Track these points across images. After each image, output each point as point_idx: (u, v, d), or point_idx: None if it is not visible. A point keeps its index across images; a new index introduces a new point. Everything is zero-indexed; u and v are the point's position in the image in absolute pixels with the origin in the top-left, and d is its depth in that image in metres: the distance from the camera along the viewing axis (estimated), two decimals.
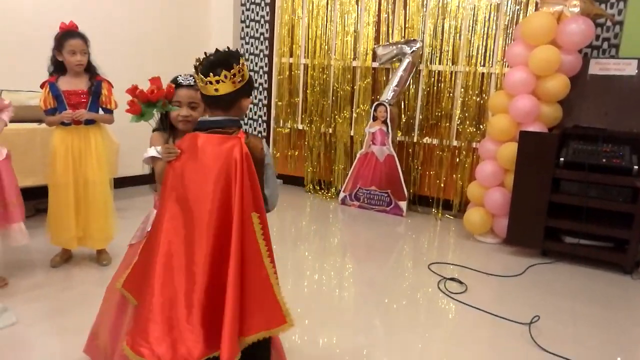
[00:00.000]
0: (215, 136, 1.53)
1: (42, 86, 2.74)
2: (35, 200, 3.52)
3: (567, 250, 3.40)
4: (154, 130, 1.77)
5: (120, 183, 3.97)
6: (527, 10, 3.93)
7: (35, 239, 3.04)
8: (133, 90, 1.60)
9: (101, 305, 1.91)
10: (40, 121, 3.27)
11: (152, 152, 1.67)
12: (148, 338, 1.43)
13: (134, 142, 4.28)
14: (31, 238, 2.72)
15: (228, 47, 1.58)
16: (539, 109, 3.46)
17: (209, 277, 1.45)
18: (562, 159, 3.34)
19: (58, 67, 2.75)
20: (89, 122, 2.81)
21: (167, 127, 1.78)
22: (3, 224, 2.54)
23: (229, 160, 1.47)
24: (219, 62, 1.51)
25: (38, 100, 2.76)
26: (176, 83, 1.73)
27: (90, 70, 2.79)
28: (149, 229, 1.72)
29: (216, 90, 1.50)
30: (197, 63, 1.54)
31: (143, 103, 1.60)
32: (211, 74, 1.49)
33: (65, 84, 2.73)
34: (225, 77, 1.49)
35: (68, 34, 2.68)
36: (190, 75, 1.72)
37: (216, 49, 1.55)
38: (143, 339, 1.44)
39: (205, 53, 1.55)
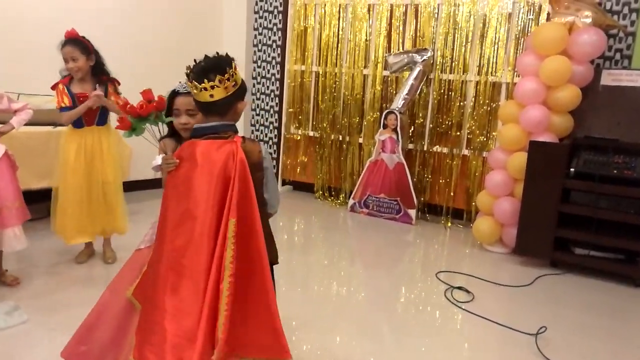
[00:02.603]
0: (211, 142, 1.53)
1: (53, 87, 2.80)
2: (49, 201, 3.58)
3: (577, 262, 3.37)
4: (160, 139, 1.79)
5: (131, 187, 4.02)
6: (538, 21, 3.93)
7: (47, 239, 3.10)
8: (124, 107, 1.62)
9: (96, 306, 1.82)
10: (54, 124, 3.34)
11: (158, 160, 1.69)
12: (155, 349, 1.43)
13: (145, 147, 4.35)
14: (43, 238, 2.77)
15: (217, 53, 1.57)
16: (549, 119, 3.45)
17: (212, 283, 1.45)
18: (572, 169, 3.32)
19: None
20: (100, 123, 2.88)
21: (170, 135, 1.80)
22: None
23: (226, 165, 1.48)
24: (211, 67, 1.51)
25: (55, 104, 2.82)
26: (174, 91, 1.75)
27: (96, 74, 2.83)
28: None
29: (211, 96, 1.50)
30: (188, 70, 1.54)
31: (134, 118, 1.62)
32: (205, 80, 1.49)
33: (75, 87, 2.81)
34: (220, 82, 1.49)
35: (62, 43, 2.74)
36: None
37: (205, 55, 1.55)
38: (149, 350, 1.45)
39: (195, 60, 1.55)
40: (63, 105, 2.77)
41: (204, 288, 1.45)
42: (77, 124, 2.84)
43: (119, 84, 2.93)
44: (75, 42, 2.74)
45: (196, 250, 1.48)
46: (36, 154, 3.26)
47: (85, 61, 2.76)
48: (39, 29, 3.81)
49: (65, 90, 2.77)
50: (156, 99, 1.69)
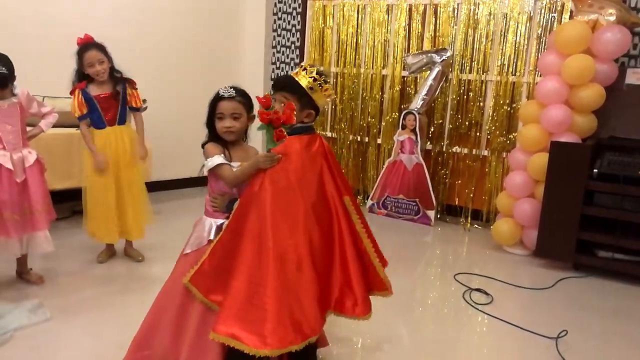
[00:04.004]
0: (308, 137, 1.75)
1: (71, 93, 2.86)
2: (72, 202, 3.66)
3: (600, 265, 3.30)
4: (204, 144, 1.81)
5: (152, 187, 4.08)
6: (561, 19, 3.87)
7: (70, 238, 3.17)
8: (267, 118, 1.57)
9: (150, 313, 1.86)
10: (78, 126, 3.41)
11: (219, 159, 1.73)
12: (264, 331, 1.52)
13: (164, 148, 4.39)
14: (67, 238, 2.83)
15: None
16: (571, 119, 3.39)
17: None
18: (595, 170, 3.25)
19: (83, 78, 2.87)
20: (121, 122, 2.94)
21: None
22: (28, 230, 2.57)
23: (322, 155, 1.75)
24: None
25: (70, 107, 2.88)
26: (218, 96, 1.77)
27: (113, 76, 2.89)
28: (211, 238, 1.75)
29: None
30: (324, 76, 1.72)
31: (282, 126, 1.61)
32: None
33: (94, 89, 2.86)
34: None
35: (84, 48, 2.80)
36: (231, 87, 1.77)
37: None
38: (256, 332, 1.53)
39: (303, 66, 1.74)
40: (79, 114, 2.84)
41: (312, 265, 1.63)
42: (99, 124, 2.89)
43: (134, 83, 2.99)
44: (99, 46, 2.82)
45: (308, 230, 1.65)
46: (59, 155, 3.34)
47: (108, 63, 2.84)
48: (63, 33, 3.89)
49: (81, 98, 2.82)
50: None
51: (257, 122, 1.66)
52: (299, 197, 1.65)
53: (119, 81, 2.91)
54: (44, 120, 2.74)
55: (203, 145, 1.81)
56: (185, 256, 1.83)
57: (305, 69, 1.71)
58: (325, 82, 1.72)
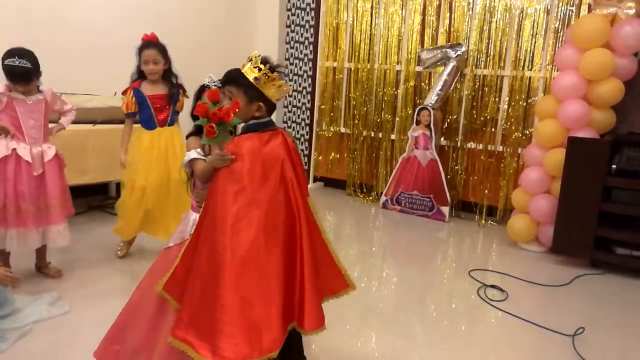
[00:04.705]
0: (269, 133, 1.65)
1: (124, 92, 2.91)
2: (88, 197, 3.71)
3: (618, 262, 3.26)
4: (188, 136, 1.82)
5: None
6: (579, 13, 3.80)
7: (88, 232, 3.21)
8: (204, 112, 1.56)
9: (126, 307, 1.83)
10: (94, 122, 3.46)
11: (193, 154, 1.72)
12: (218, 341, 1.44)
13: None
14: (85, 232, 2.86)
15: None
16: (589, 114, 3.34)
17: (285, 263, 1.59)
18: (614, 166, 3.21)
19: (140, 75, 2.91)
20: (171, 123, 2.98)
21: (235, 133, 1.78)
22: (44, 224, 2.61)
23: (284, 151, 1.64)
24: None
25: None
26: (203, 86, 1.78)
27: (166, 77, 2.92)
28: (191, 233, 1.70)
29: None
30: (269, 65, 1.60)
31: (219, 125, 1.58)
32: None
33: (148, 89, 2.90)
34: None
35: (143, 45, 2.86)
36: (218, 80, 1.75)
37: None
38: (208, 341, 1.45)
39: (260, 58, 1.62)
40: (128, 111, 2.89)
41: (278, 271, 1.56)
42: (150, 124, 2.93)
43: (186, 90, 3.02)
44: (157, 46, 2.86)
45: (269, 235, 1.56)
46: (76, 151, 3.38)
47: (163, 64, 2.88)
48: (76, 31, 3.94)
49: (132, 97, 2.87)
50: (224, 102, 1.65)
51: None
52: (253, 200, 1.55)
53: (174, 85, 2.95)
54: (65, 118, 2.80)
55: (187, 137, 1.81)
56: (167, 250, 1.81)
57: (251, 59, 1.61)
58: (273, 71, 1.61)
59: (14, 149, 2.51)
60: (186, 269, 1.60)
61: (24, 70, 2.43)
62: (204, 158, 1.72)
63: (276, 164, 1.61)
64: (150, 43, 2.86)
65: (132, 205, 2.94)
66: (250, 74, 1.60)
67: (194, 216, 1.78)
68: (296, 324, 1.61)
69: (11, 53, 2.42)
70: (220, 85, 1.71)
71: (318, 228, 1.70)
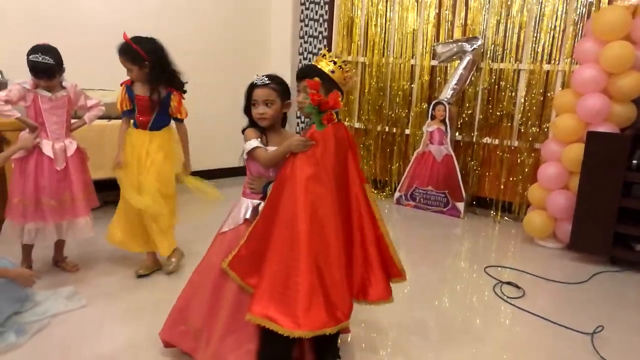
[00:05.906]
0: (336, 124, 1.78)
1: (121, 85, 2.74)
2: (103, 192, 3.73)
3: (638, 259, 3.19)
4: (244, 130, 1.89)
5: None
6: (599, 4, 3.72)
7: (103, 228, 3.22)
8: (318, 101, 1.65)
9: (186, 289, 1.96)
10: (109, 118, 3.47)
11: (255, 143, 1.82)
12: (298, 312, 1.57)
13: (200, 140, 4.43)
14: (100, 226, 2.88)
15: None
16: (609, 108, 3.27)
17: (345, 243, 1.74)
18: (635, 161, 3.14)
19: None
20: (155, 128, 2.73)
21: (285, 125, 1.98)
22: (70, 217, 2.66)
23: (347, 142, 1.81)
24: None
25: (115, 99, 2.80)
26: (252, 84, 1.85)
27: (155, 79, 2.66)
28: (247, 217, 1.84)
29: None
30: (336, 57, 1.79)
31: (322, 111, 1.68)
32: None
33: (137, 88, 2.70)
34: None
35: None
36: (264, 76, 1.84)
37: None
38: (289, 314, 1.58)
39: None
40: (123, 109, 2.71)
41: (341, 248, 1.71)
42: (135, 123, 2.75)
43: (181, 91, 2.77)
44: (125, 52, 2.59)
45: (336, 213, 1.70)
46: (92, 146, 3.39)
47: (138, 70, 2.62)
48: (92, 27, 3.97)
49: (125, 94, 2.69)
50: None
51: (306, 106, 1.73)
52: (328, 183, 1.69)
53: (163, 89, 2.69)
54: (89, 113, 2.79)
55: (243, 131, 1.89)
56: (222, 235, 1.91)
57: (324, 55, 1.81)
58: (345, 63, 1.82)
59: (37, 145, 2.55)
60: (252, 249, 1.73)
61: (47, 66, 2.47)
62: (263, 147, 1.84)
63: (345, 151, 1.79)
64: (119, 51, 2.60)
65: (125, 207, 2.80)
66: (326, 67, 1.78)
67: (247, 202, 1.88)
68: (361, 297, 1.82)
69: (36, 49, 2.47)
70: (266, 81, 1.82)
71: (375, 217, 1.83)
